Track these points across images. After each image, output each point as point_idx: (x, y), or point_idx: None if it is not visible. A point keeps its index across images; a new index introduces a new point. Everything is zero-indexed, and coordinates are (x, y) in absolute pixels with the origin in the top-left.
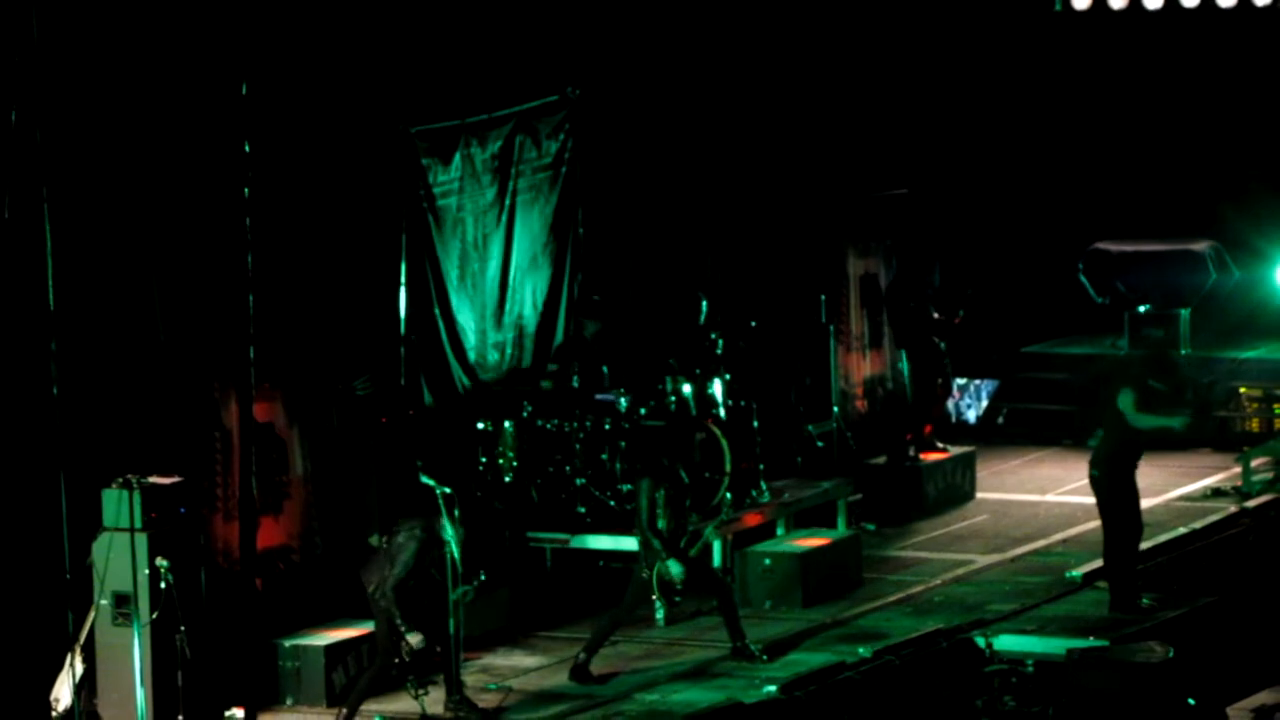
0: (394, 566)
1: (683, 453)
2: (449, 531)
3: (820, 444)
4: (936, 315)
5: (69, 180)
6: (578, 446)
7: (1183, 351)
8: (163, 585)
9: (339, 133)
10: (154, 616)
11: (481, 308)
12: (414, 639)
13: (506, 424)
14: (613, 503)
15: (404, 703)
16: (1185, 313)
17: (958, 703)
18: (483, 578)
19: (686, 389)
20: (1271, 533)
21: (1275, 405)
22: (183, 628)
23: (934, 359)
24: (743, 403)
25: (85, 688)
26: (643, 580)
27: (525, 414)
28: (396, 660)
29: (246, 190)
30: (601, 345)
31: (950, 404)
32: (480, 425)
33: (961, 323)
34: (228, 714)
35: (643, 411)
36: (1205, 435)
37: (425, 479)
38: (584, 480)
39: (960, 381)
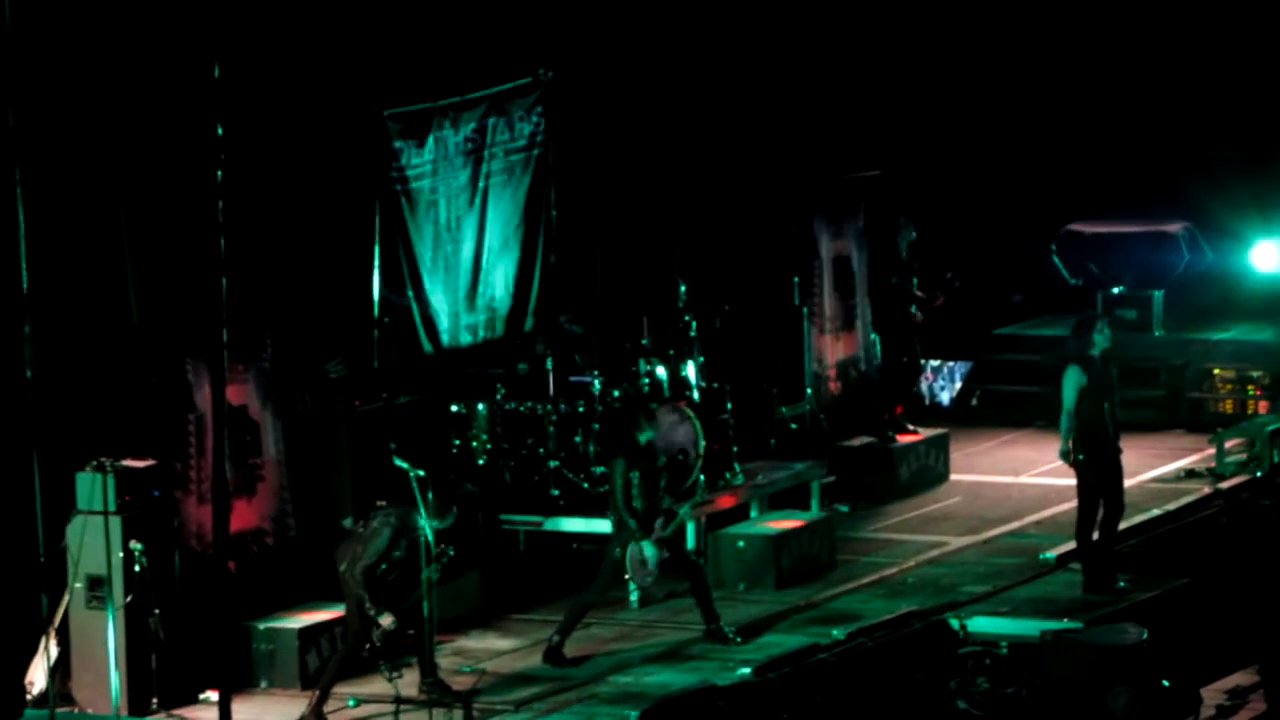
0: (365, 550)
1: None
2: (424, 519)
3: (793, 426)
4: (920, 294)
5: (42, 162)
6: (551, 429)
7: (1156, 333)
8: (136, 568)
9: (312, 115)
10: (128, 600)
11: (454, 290)
12: (385, 620)
13: (480, 406)
14: (586, 485)
15: (378, 685)
16: (1159, 294)
17: (931, 684)
18: (451, 553)
19: (660, 371)
20: (1245, 514)
21: (1249, 387)
22: (156, 611)
23: (906, 339)
24: (716, 385)
25: (60, 671)
26: (615, 562)
27: (498, 396)
28: (367, 645)
29: (219, 173)
30: (575, 331)
31: (924, 385)
32: (454, 408)
33: (942, 305)
34: (202, 697)
35: (616, 394)
36: (1180, 417)
37: (399, 462)
38: (557, 463)
39: (934, 363)
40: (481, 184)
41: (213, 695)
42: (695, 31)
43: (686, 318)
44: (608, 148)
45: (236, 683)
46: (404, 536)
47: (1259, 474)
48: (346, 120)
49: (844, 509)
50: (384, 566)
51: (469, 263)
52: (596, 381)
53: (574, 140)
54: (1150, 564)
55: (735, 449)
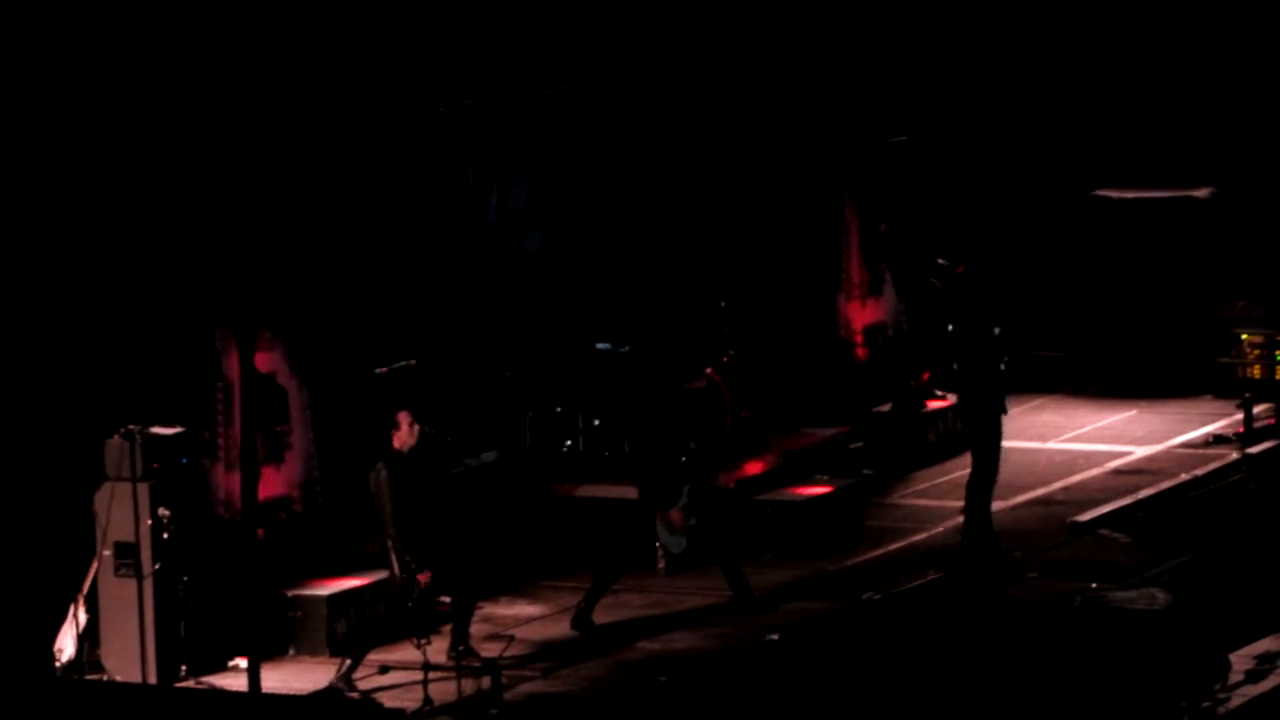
0: (381, 508)
1: (673, 401)
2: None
3: (823, 392)
4: (941, 262)
5: (71, 127)
6: (581, 396)
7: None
8: (164, 536)
9: (340, 94)
10: (156, 567)
11: None
12: (423, 577)
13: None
14: (616, 452)
15: (406, 652)
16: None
17: (960, 648)
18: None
19: (690, 339)
20: (1272, 479)
21: (1277, 352)
22: (185, 578)
23: (932, 306)
24: (745, 351)
25: (88, 638)
26: (644, 528)
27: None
28: (410, 604)
29: (248, 141)
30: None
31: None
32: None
33: (964, 273)
34: (230, 664)
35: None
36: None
37: (424, 427)
38: (588, 429)
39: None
40: None
41: (242, 662)
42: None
43: (718, 285)
44: (635, 112)
45: (265, 650)
46: (399, 473)
47: None
48: (373, 97)
49: (867, 473)
50: (405, 508)
51: None
52: (624, 349)
53: (602, 111)
54: (1178, 529)
55: (764, 415)
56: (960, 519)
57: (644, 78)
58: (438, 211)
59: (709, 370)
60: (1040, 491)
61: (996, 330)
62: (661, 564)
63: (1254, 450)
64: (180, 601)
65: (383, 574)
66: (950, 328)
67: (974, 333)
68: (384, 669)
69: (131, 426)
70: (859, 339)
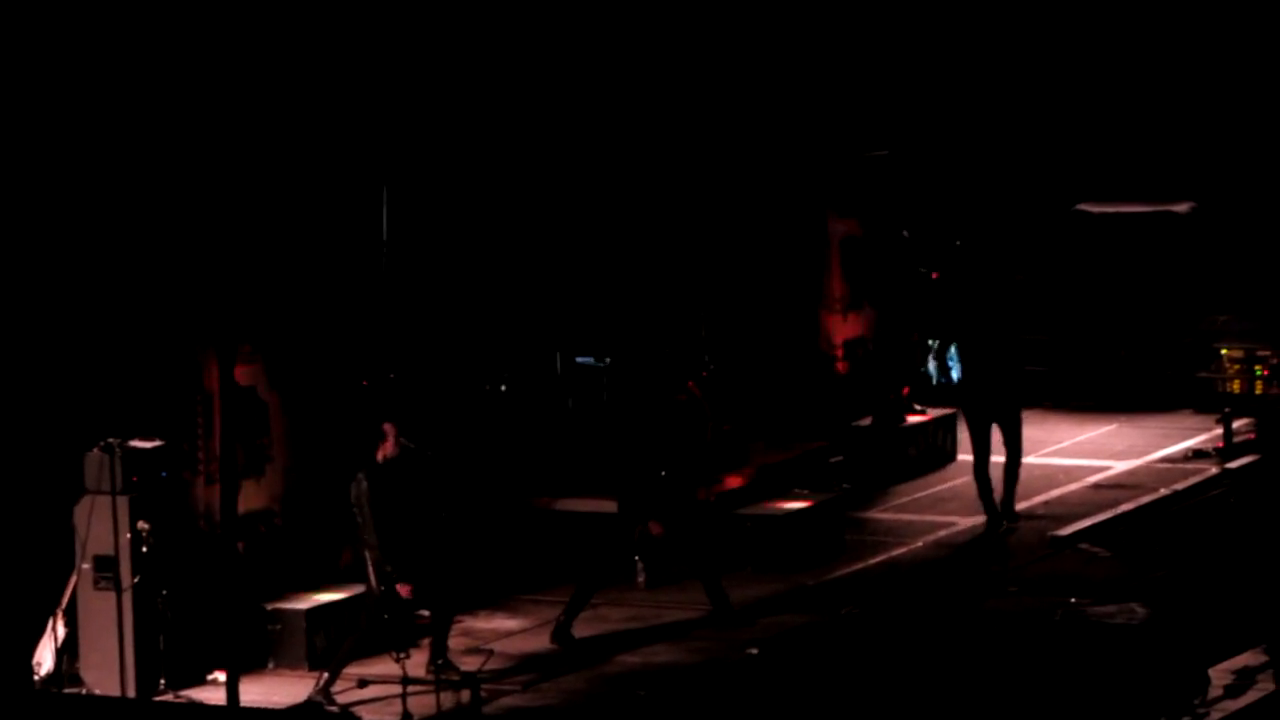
0: (362, 518)
1: (659, 413)
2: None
3: (804, 405)
4: (921, 270)
5: (52, 140)
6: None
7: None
8: (144, 549)
9: (317, 111)
10: (135, 581)
11: None
12: (404, 590)
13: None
14: (594, 465)
15: (385, 666)
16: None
17: (941, 661)
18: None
19: (670, 353)
20: (1252, 494)
21: (1256, 366)
22: (164, 591)
23: (907, 318)
24: (725, 365)
25: (67, 652)
26: (624, 542)
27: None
28: (385, 615)
29: (229, 157)
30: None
31: (931, 365)
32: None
33: (939, 279)
34: (210, 677)
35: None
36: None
37: (406, 440)
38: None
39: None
40: None
41: (221, 676)
42: (704, 12)
43: (698, 298)
44: (616, 125)
45: (244, 663)
46: (380, 485)
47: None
48: (352, 117)
49: (845, 487)
50: (390, 520)
51: None
52: (603, 362)
53: (586, 119)
54: (1157, 543)
55: (744, 429)
56: (942, 533)
57: (627, 92)
58: (417, 224)
59: (689, 383)
60: (1021, 505)
61: (985, 341)
62: (641, 577)
63: (1233, 465)
64: (159, 615)
65: (361, 588)
66: (930, 340)
67: (968, 343)
68: (363, 682)
69: (111, 439)
70: (839, 353)
